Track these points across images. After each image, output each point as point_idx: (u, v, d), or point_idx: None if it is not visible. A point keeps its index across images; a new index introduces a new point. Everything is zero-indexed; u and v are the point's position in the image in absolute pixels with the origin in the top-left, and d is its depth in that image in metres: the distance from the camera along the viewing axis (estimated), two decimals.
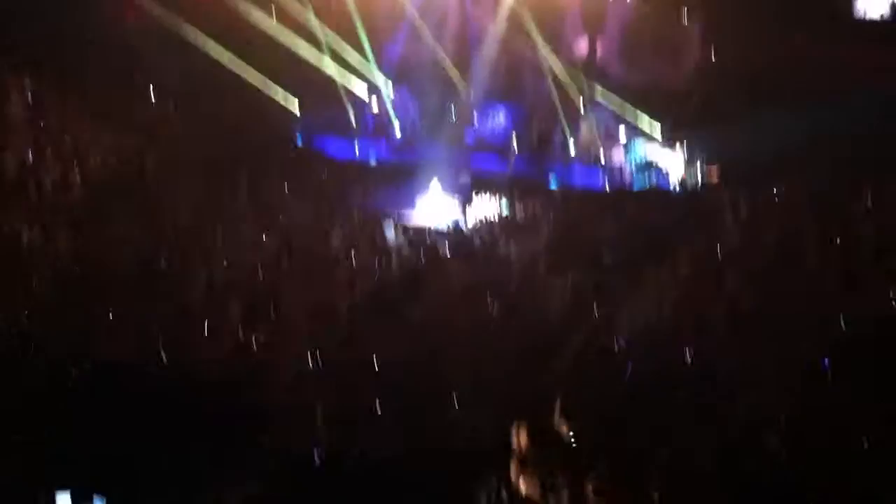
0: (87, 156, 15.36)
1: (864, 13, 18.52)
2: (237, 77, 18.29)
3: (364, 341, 10.55)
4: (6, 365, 8.88)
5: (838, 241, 13.18)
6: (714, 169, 18.02)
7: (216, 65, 17.95)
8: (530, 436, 6.22)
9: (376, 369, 9.87)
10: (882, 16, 18.36)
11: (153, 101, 18.39)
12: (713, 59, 19.73)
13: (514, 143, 20.05)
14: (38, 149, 14.88)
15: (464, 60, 21.15)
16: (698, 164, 18.12)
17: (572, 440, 7.04)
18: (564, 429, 8.18)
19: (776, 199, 15.66)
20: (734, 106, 17.77)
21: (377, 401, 8.94)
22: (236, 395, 8.88)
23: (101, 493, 6.94)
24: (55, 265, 11.89)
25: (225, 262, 12.75)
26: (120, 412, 8.03)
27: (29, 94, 16.11)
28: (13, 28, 16.48)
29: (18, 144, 14.68)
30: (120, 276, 11.67)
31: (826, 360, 9.19)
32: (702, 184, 17.82)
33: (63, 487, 6.89)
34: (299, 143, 19.65)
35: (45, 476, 7.11)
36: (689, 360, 9.69)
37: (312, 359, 9.90)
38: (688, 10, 19.59)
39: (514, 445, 5.63)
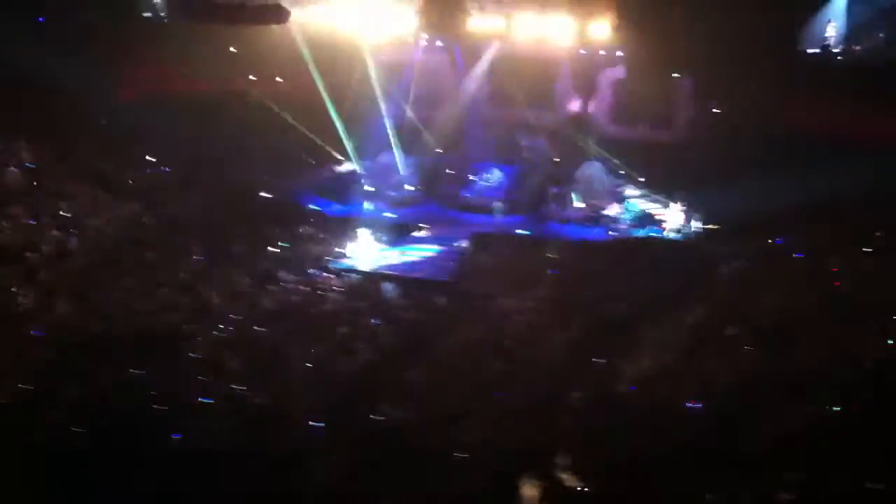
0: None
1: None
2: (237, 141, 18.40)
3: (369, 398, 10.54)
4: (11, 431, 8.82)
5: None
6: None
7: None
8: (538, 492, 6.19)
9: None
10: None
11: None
12: (706, 117, 20.09)
13: (511, 199, 20.21)
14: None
15: (458, 120, 21.49)
16: (693, 216, 18.18)
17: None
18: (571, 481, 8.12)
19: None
20: (728, 163, 17.96)
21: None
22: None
23: None
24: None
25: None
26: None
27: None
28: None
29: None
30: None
31: None
32: (697, 234, 17.86)
33: None
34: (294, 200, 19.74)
35: None
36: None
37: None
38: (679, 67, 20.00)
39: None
